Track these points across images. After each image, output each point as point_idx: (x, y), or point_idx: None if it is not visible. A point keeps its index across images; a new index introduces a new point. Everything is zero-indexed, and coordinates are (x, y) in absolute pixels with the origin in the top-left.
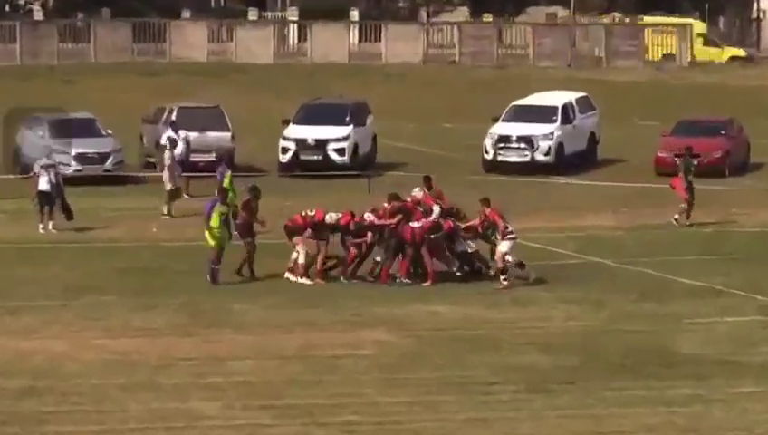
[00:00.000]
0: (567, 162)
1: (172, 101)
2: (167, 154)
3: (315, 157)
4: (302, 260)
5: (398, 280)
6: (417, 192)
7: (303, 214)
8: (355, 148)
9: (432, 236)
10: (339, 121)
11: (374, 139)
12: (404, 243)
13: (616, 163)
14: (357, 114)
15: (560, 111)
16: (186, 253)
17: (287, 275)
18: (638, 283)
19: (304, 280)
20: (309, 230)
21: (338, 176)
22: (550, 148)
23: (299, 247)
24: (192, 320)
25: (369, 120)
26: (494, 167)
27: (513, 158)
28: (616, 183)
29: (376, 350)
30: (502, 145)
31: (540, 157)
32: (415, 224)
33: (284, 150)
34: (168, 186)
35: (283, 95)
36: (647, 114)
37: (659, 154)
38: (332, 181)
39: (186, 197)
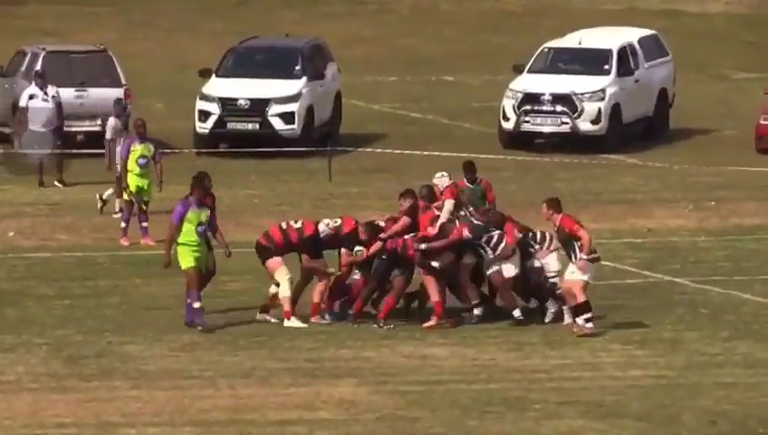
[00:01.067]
0: (626, 133)
1: (37, 43)
2: (111, 123)
3: (250, 125)
4: (285, 292)
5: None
6: (440, 179)
7: (285, 226)
8: (309, 112)
9: (423, 247)
10: (284, 73)
11: (338, 98)
12: (395, 263)
13: (698, 135)
14: (312, 62)
15: (615, 56)
16: (56, 268)
17: (260, 316)
18: (731, 313)
19: (295, 322)
20: (305, 257)
21: (283, 154)
22: (600, 112)
23: (278, 274)
24: (68, 368)
25: (331, 70)
26: (518, 140)
27: (545, 127)
28: (698, 165)
29: (341, 412)
30: (529, 108)
31: (585, 125)
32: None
33: (204, 116)
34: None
35: (200, 33)
36: (745, 63)
37: (762, 122)
38: (275, 162)
39: (57, 186)
